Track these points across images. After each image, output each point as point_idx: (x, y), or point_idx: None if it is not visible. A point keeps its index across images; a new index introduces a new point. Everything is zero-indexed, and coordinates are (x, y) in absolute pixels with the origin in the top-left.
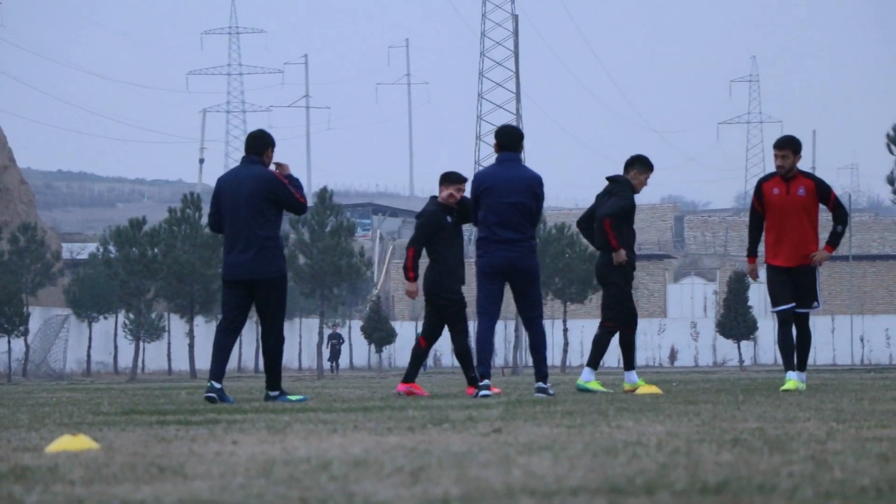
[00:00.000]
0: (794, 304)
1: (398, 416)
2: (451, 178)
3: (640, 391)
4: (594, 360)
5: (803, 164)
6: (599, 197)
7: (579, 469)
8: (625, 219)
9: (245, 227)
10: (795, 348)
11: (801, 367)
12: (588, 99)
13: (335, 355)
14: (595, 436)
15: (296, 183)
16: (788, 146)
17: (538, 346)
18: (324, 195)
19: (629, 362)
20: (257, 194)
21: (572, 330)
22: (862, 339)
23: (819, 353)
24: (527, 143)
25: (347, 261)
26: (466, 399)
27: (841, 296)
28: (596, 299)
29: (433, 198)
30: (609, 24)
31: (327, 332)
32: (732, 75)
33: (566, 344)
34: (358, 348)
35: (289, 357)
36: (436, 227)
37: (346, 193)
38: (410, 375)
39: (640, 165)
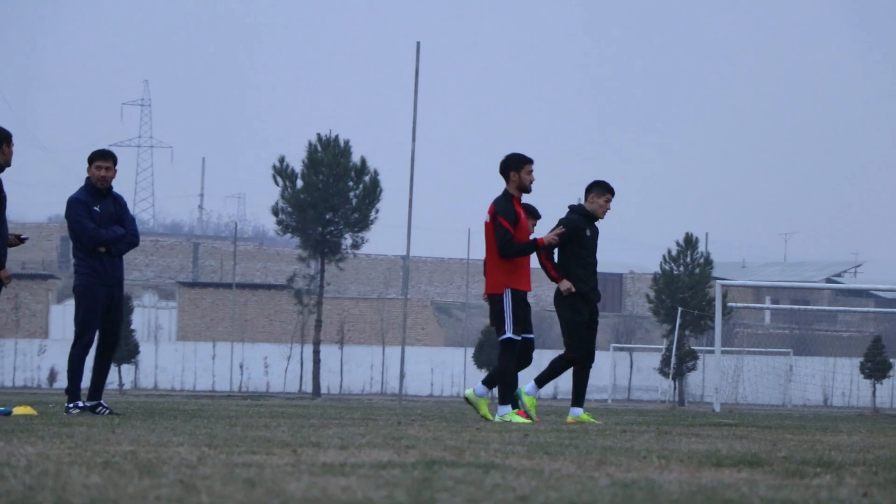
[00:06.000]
0: None
1: None
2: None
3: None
4: (542, 379)
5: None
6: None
7: None
8: (570, 246)
9: None
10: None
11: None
12: None
13: None
14: None
15: None
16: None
17: None
18: None
19: (578, 398)
20: None
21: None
22: (241, 367)
23: (199, 380)
24: None
25: None
26: None
27: (223, 323)
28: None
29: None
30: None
31: None
32: (125, 98)
33: None
34: None
35: None
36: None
37: None
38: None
39: (596, 189)
